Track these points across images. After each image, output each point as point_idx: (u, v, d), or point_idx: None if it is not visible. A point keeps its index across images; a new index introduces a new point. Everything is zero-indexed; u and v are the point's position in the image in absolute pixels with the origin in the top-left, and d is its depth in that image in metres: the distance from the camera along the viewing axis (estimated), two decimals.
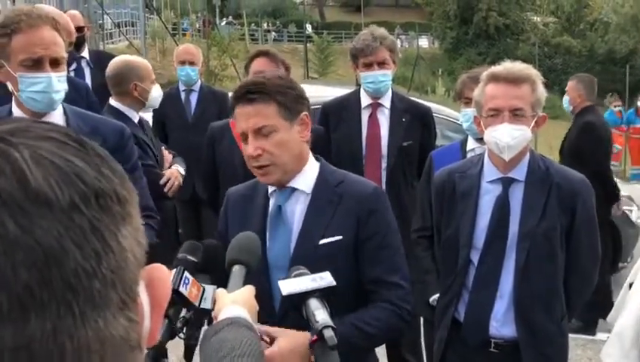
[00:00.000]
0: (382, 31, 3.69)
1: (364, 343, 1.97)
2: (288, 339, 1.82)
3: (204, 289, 1.70)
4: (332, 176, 2.06)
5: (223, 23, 33.21)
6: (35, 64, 2.19)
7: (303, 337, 1.77)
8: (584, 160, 5.34)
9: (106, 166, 0.55)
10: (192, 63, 5.02)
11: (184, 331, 1.68)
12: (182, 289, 1.63)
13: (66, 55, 2.27)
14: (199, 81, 5.17)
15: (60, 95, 2.27)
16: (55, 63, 2.22)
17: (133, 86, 3.64)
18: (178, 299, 1.64)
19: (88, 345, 0.50)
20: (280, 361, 1.80)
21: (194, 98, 5.08)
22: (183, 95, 5.07)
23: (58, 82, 2.23)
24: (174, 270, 1.67)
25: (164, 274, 0.60)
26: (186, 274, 1.67)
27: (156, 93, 3.71)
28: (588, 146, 5.30)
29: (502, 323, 2.48)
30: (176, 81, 5.25)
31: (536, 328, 2.45)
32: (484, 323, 2.49)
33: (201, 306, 1.69)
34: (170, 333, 1.65)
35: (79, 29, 5.10)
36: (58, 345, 0.48)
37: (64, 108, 2.40)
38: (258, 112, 1.93)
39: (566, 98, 5.59)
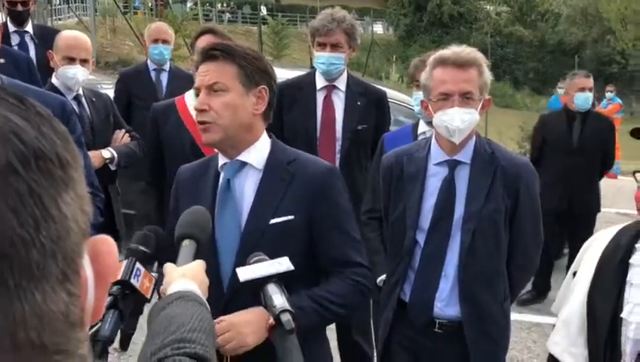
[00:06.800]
0: (343, 14, 3.66)
1: (323, 318, 1.97)
2: (242, 313, 1.82)
3: (155, 282, 1.65)
4: (284, 154, 2.04)
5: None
6: None
7: (259, 310, 1.77)
8: (610, 156, 5.63)
9: (47, 125, 0.50)
10: (165, 42, 4.90)
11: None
12: (133, 280, 1.58)
13: None
14: (169, 60, 5.05)
15: None
16: None
17: (50, 54, 3.64)
18: (129, 291, 1.58)
19: (25, 321, 0.46)
20: (234, 333, 1.81)
21: (164, 77, 4.96)
22: (153, 74, 4.95)
23: None
24: (125, 261, 1.62)
25: (110, 247, 0.56)
26: (138, 265, 1.61)
27: (70, 74, 3.56)
28: (613, 143, 5.60)
29: (446, 303, 2.51)
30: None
31: (480, 307, 2.50)
32: (428, 304, 2.52)
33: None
34: (120, 326, 1.59)
35: (24, 4, 4.94)
36: None
37: (1, 80, 2.33)
38: (217, 70, 1.94)
39: (590, 96, 5.50)
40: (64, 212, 0.49)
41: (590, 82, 5.51)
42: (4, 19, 4.95)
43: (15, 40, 4.91)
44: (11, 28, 4.93)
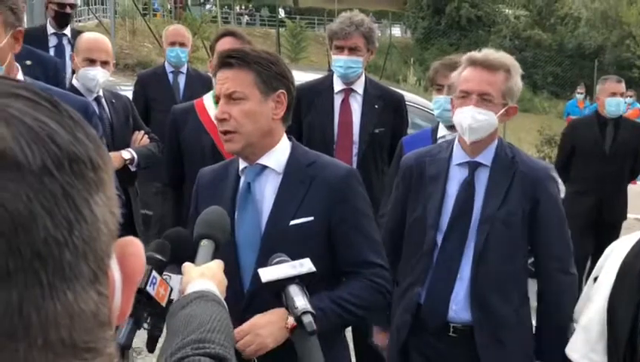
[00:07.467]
0: (361, 17, 3.66)
1: (343, 319, 1.98)
2: (260, 315, 1.83)
3: (171, 289, 1.67)
4: (304, 156, 2.06)
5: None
6: None
7: (277, 311, 1.78)
8: (639, 163, 5.59)
9: (80, 129, 0.52)
10: (182, 45, 4.94)
11: (148, 321, 1.65)
12: (149, 289, 1.59)
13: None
14: (186, 63, 5.08)
15: None
16: None
17: (72, 56, 3.65)
18: (144, 299, 1.59)
19: (56, 319, 0.47)
20: (253, 336, 1.82)
21: (182, 80, 4.99)
22: (170, 76, 4.99)
23: None
24: None
25: (137, 249, 0.57)
26: (154, 273, 1.63)
27: (91, 76, 3.57)
28: None
29: (461, 307, 2.49)
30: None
31: (491, 311, 2.46)
32: (443, 306, 2.50)
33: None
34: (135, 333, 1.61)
35: (72, 6, 5.02)
36: (23, 318, 0.45)
37: (26, 82, 2.35)
38: (234, 78, 1.95)
39: (622, 101, 5.46)
40: (95, 213, 0.50)
41: (622, 87, 5.42)
42: (44, 23, 5.03)
43: (53, 42, 4.97)
44: (50, 30, 4.99)
